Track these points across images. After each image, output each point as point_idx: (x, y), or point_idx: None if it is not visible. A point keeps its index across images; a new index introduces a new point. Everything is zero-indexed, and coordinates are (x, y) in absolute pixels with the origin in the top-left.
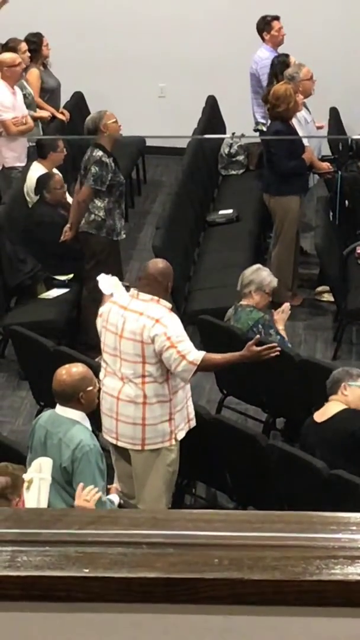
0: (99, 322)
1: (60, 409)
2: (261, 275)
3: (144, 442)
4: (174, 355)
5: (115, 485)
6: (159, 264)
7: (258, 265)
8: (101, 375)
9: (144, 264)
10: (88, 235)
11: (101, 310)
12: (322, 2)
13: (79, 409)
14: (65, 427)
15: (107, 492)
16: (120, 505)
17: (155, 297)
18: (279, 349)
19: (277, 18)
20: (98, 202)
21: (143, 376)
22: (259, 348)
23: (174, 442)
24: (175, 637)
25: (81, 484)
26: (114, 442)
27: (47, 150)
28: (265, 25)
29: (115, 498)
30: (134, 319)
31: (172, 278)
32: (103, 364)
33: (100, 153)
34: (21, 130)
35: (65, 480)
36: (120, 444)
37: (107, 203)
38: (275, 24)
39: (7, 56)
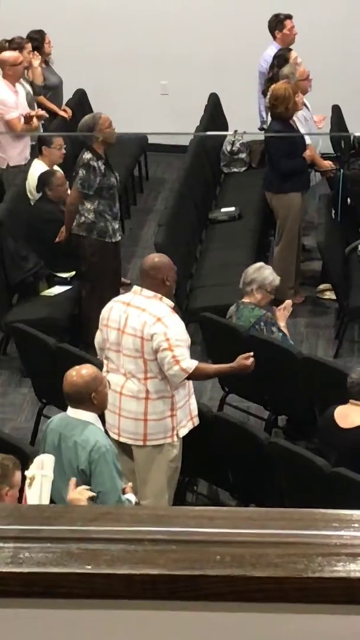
0: (100, 322)
1: (72, 412)
2: (263, 274)
3: (145, 438)
4: (168, 357)
5: (130, 483)
6: (155, 258)
7: (261, 264)
8: (103, 372)
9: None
10: (79, 238)
11: (102, 313)
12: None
13: (91, 410)
14: (79, 429)
15: (123, 491)
16: (137, 504)
17: (158, 295)
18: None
19: (289, 17)
20: (87, 205)
21: (145, 372)
22: (249, 362)
23: (175, 438)
24: (177, 633)
25: (73, 479)
26: (116, 437)
27: (41, 145)
28: (277, 23)
29: (132, 497)
30: (136, 314)
31: (172, 271)
32: (105, 361)
33: (88, 156)
34: (28, 129)
35: (83, 483)
36: (122, 439)
37: (97, 205)
38: (287, 22)
39: (9, 55)
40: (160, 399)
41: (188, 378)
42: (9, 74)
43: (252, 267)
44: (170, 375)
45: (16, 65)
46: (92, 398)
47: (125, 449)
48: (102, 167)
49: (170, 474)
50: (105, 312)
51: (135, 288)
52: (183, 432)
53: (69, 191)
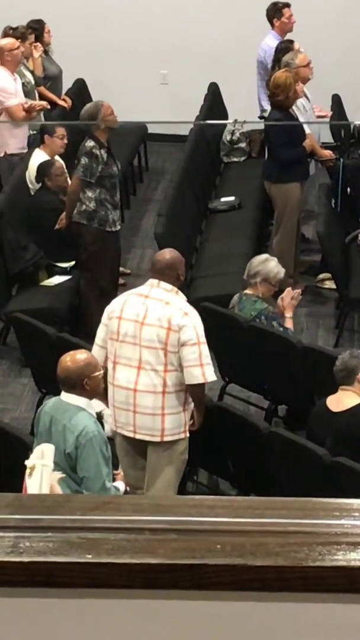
0: (107, 315)
1: (65, 396)
2: (268, 266)
3: (163, 433)
4: (196, 354)
5: (121, 472)
6: (166, 255)
7: (266, 256)
8: (109, 367)
9: (153, 255)
10: (79, 226)
11: (111, 306)
12: None
13: (84, 396)
14: (70, 413)
15: (113, 479)
16: (126, 493)
17: (175, 288)
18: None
19: (288, 5)
20: (89, 193)
21: (165, 364)
22: None
23: (187, 433)
24: (178, 623)
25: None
26: (132, 435)
27: (43, 134)
28: (276, 11)
29: (121, 485)
30: (160, 306)
31: (183, 265)
32: (111, 357)
33: (91, 144)
34: (27, 118)
35: (69, 467)
36: (138, 436)
37: (98, 194)
38: (286, 10)
39: (6, 41)
40: (176, 393)
41: (195, 388)
42: (8, 60)
43: (257, 259)
44: (189, 372)
45: (13, 50)
46: (85, 384)
47: (133, 445)
48: (105, 155)
49: (180, 467)
50: (117, 304)
51: (152, 281)
52: (189, 428)
53: (68, 180)
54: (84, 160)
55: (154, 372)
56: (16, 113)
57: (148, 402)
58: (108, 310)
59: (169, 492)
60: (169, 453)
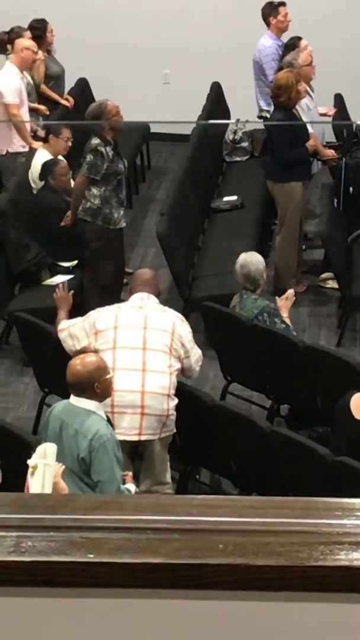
0: (93, 325)
1: (74, 400)
2: (260, 262)
3: (161, 431)
4: (199, 354)
5: (130, 473)
6: (146, 270)
7: (248, 257)
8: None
9: (134, 276)
10: (84, 223)
11: (101, 319)
12: None
13: (94, 399)
14: (81, 417)
15: (123, 481)
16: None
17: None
18: None
19: (283, 4)
20: (94, 190)
21: (170, 367)
22: None
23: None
24: (180, 622)
25: (63, 466)
26: (136, 438)
27: (48, 134)
28: (272, 10)
29: (132, 487)
30: (159, 313)
31: None
32: (111, 364)
33: (97, 141)
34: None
35: (83, 471)
36: (143, 437)
37: (103, 191)
38: (281, 9)
39: (29, 43)
40: (173, 395)
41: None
42: (22, 57)
43: (252, 264)
44: (195, 370)
45: (32, 51)
46: (95, 387)
47: (126, 446)
48: (110, 153)
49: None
50: (108, 317)
51: (142, 295)
52: None
53: (72, 181)
54: (89, 157)
55: (162, 374)
56: (13, 111)
57: (157, 404)
58: (98, 323)
59: (169, 475)
60: (165, 449)
